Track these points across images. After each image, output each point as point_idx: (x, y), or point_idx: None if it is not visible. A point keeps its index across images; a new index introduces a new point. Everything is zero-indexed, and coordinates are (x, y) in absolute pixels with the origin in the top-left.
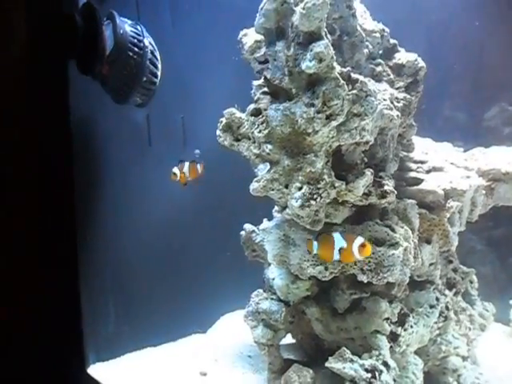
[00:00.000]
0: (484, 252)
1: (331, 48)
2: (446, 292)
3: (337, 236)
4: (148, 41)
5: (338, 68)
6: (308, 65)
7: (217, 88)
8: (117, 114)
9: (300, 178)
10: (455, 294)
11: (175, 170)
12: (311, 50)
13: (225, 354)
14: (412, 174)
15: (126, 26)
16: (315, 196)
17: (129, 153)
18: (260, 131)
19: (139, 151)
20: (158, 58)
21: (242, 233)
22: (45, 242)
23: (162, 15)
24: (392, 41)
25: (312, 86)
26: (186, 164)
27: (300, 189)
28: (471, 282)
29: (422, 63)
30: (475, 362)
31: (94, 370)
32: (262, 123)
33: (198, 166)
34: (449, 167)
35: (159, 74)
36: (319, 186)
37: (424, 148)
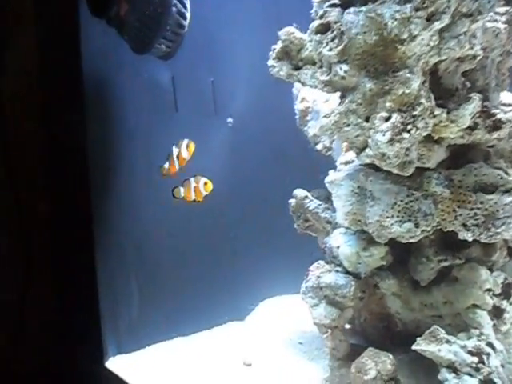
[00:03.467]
0: None
1: None
2: None
3: None
4: None
5: None
6: None
7: (250, 48)
8: (137, 73)
9: (388, 104)
10: None
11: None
12: None
13: (271, 342)
14: (509, 115)
15: None
16: (409, 127)
17: (152, 119)
18: (331, 49)
19: (164, 118)
20: None
21: (292, 200)
22: (58, 216)
23: None
24: None
25: None
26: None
27: (388, 119)
28: None
29: None
30: None
31: (115, 363)
32: (333, 39)
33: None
34: None
35: (188, 15)
36: (414, 113)
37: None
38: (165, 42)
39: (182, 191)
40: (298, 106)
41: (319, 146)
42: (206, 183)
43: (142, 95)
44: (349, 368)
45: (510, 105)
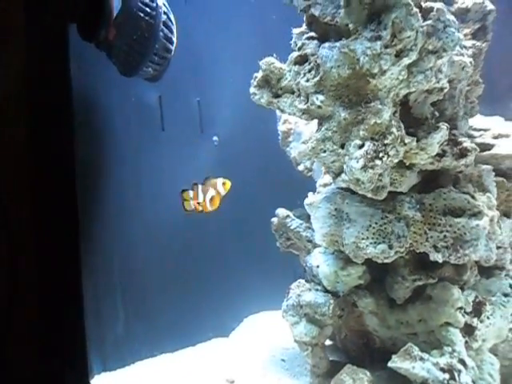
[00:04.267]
0: None
1: None
2: None
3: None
4: (161, 0)
5: None
6: None
7: (235, 69)
8: (125, 94)
9: (361, 132)
10: None
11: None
12: None
13: (253, 359)
14: (478, 140)
15: None
16: (381, 154)
17: (139, 138)
18: (308, 80)
19: (151, 136)
20: (173, 21)
21: (274, 219)
22: (42, 233)
23: None
24: None
25: (377, 16)
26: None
27: (361, 146)
28: None
29: (490, 6)
30: None
31: (100, 381)
32: (310, 71)
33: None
34: None
35: (175, 39)
36: (386, 141)
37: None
38: (152, 65)
39: (191, 203)
40: (281, 128)
41: (300, 167)
42: (224, 183)
43: (129, 114)
44: None
45: (480, 130)
